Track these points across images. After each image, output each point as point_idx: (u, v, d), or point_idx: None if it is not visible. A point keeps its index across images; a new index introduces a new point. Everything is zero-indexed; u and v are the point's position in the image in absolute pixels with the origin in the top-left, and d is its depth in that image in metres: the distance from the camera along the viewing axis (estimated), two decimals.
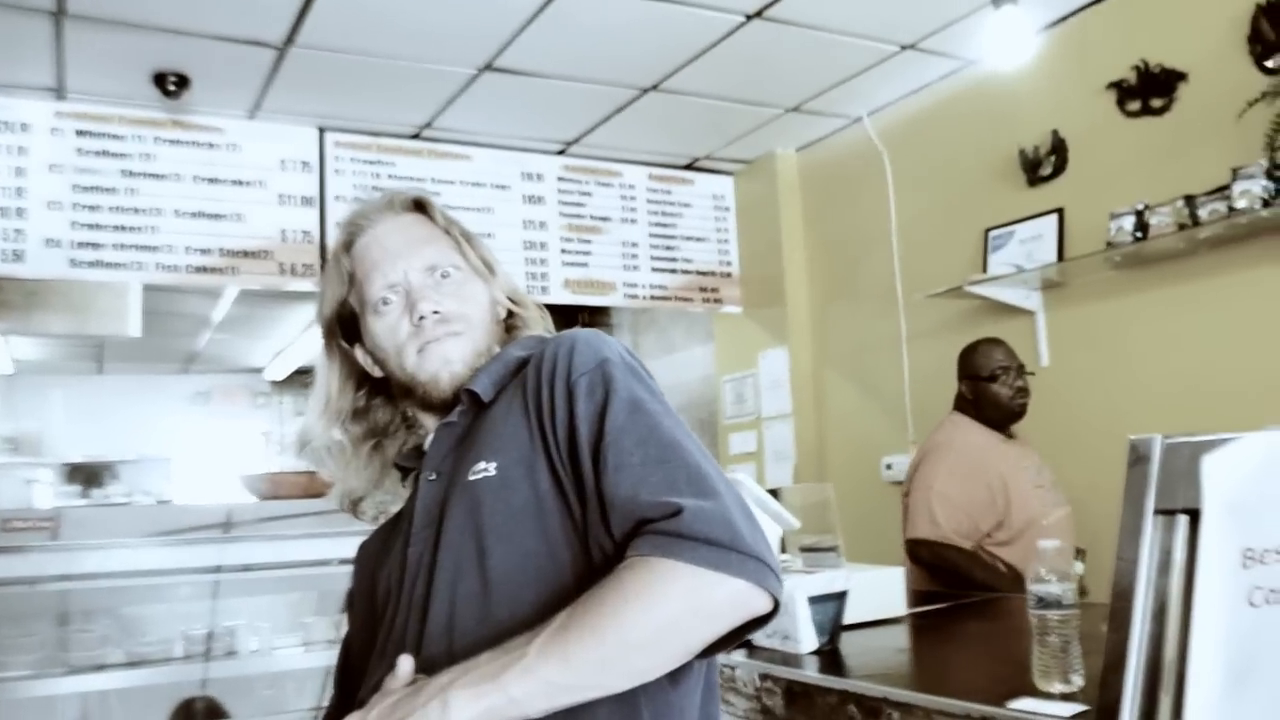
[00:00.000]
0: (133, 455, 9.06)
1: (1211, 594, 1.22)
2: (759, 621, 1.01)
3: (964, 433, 3.19)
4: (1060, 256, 3.58)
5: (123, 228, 3.78)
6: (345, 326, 1.35)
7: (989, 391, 3.16)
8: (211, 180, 3.95)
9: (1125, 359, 3.41)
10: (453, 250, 1.32)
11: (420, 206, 1.36)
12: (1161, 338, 3.30)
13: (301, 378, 9.53)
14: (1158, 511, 1.33)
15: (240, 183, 4.00)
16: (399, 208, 1.35)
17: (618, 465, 1.05)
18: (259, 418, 9.97)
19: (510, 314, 1.37)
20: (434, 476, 1.22)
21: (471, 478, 1.14)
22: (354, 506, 1.39)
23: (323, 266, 4.11)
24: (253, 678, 3.19)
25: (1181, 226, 3.08)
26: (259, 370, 9.69)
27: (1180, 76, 3.29)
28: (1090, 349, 3.54)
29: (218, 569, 3.14)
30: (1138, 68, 3.39)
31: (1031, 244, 3.71)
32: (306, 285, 4.07)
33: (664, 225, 4.92)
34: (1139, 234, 3.19)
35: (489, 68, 3.77)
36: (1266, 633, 1.21)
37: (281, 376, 9.51)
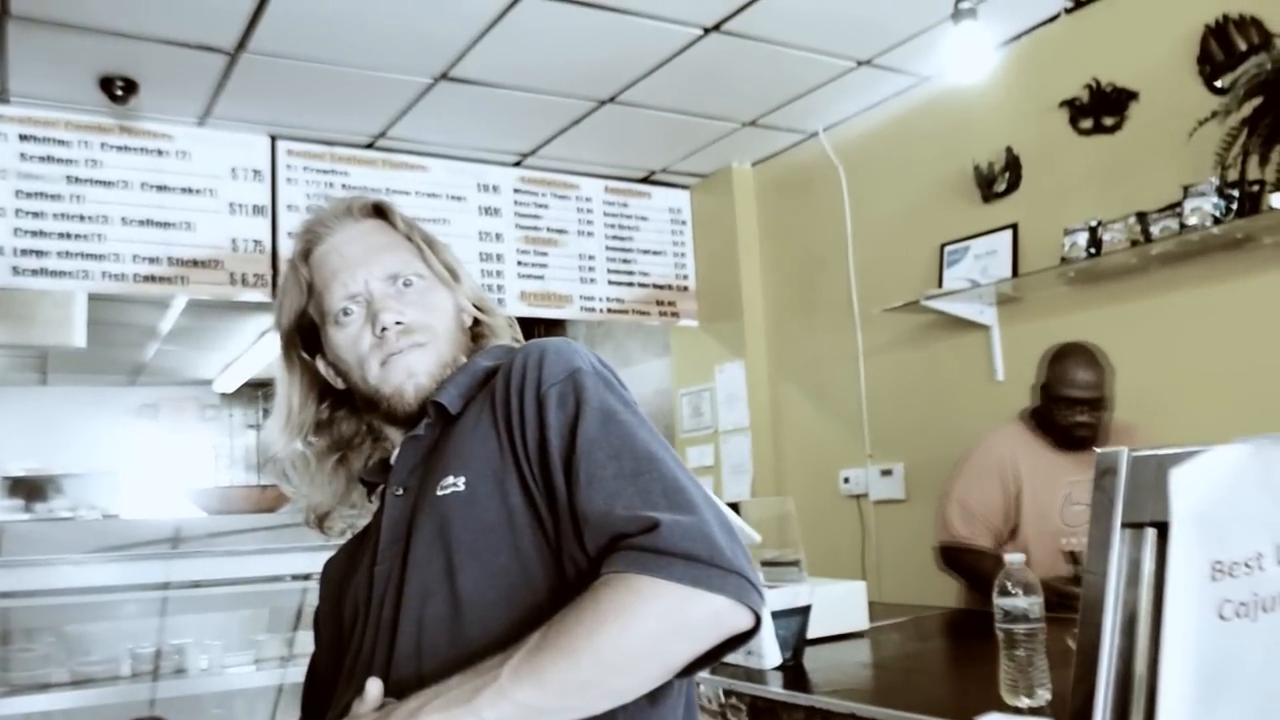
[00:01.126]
0: (78, 469, 8.85)
1: (1181, 607, 1.22)
2: (741, 639, 0.99)
3: (995, 437, 3.15)
4: (1015, 272, 3.61)
5: (68, 235, 3.69)
6: (305, 337, 1.32)
7: (1049, 409, 3.03)
8: (160, 188, 3.87)
9: None
10: (415, 257, 1.29)
11: (380, 212, 1.33)
12: (1114, 352, 3.32)
13: (252, 390, 9.40)
14: (1125, 524, 1.33)
15: (190, 191, 3.92)
16: (358, 213, 1.32)
17: (591, 479, 1.02)
18: (208, 431, 9.79)
19: (477, 322, 1.34)
20: (400, 491, 1.19)
21: (440, 493, 1.11)
22: (320, 522, 1.35)
23: (274, 277, 4.06)
24: (202, 697, 3.11)
25: (1134, 243, 3.12)
26: (208, 383, 9.52)
27: (1132, 95, 3.34)
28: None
29: (166, 585, 3.06)
30: (1090, 86, 3.44)
31: (986, 259, 3.75)
32: (258, 296, 4.00)
33: (621, 238, 4.91)
34: (1092, 250, 3.22)
35: (445, 77, 3.74)
36: (1237, 646, 1.21)
37: (231, 389, 9.35)
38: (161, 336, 7.56)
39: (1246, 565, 1.29)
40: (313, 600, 2.99)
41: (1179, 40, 3.19)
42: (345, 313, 1.25)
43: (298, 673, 3.16)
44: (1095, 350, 3.02)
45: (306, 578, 3.11)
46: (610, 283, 4.82)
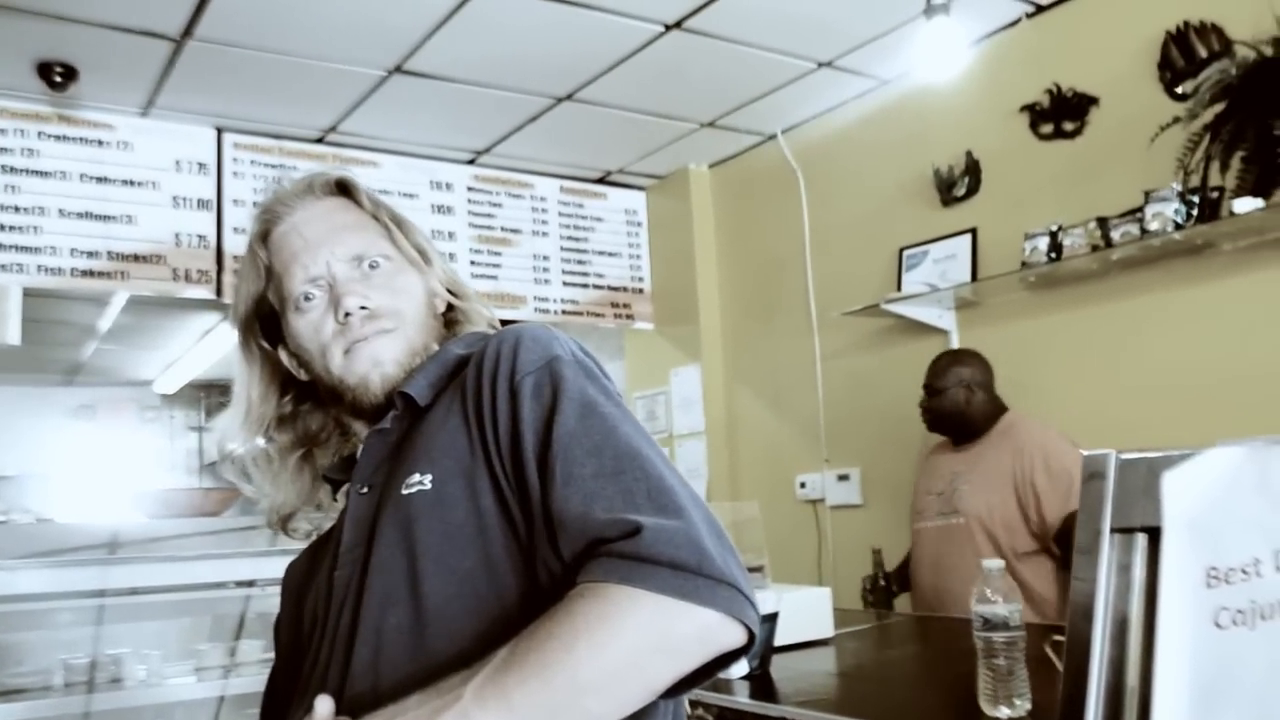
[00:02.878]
0: (10, 471, 8.56)
1: (1175, 615, 1.18)
2: (731, 656, 0.90)
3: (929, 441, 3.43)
4: (974, 276, 3.59)
5: (2, 227, 3.54)
6: (265, 325, 1.22)
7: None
8: (100, 179, 3.74)
9: (1038, 378, 3.43)
10: (381, 237, 1.20)
11: (344, 189, 1.24)
12: (1074, 357, 3.33)
13: (194, 392, 9.17)
14: (1114, 530, 1.29)
15: (131, 183, 3.79)
16: (320, 191, 1.23)
17: (567, 477, 0.93)
18: (148, 433, 9.54)
19: (450, 308, 1.26)
20: (365, 490, 1.10)
21: (405, 491, 1.02)
22: (284, 523, 1.26)
23: (219, 273, 3.93)
24: (140, 709, 2.98)
25: (1094, 248, 3.11)
26: (148, 383, 9.27)
27: (1092, 100, 3.34)
28: (1004, 368, 3.54)
29: (102, 593, 2.93)
30: (1050, 91, 3.44)
31: (945, 263, 3.73)
32: (201, 293, 3.88)
33: (575, 239, 4.84)
34: (1053, 254, 3.22)
35: (399, 70, 3.64)
36: (1235, 655, 1.17)
37: (172, 390, 9.11)
38: (100, 335, 7.34)
39: (1244, 572, 1.25)
40: (257, 608, 2.89)
41: (1140, 46, 3.19)
42: (306, 298, 1.16)
43: (241, 683, 3.06)
44: (964, 351, 3.32)
45: (250, 584, 3.00)
46: (565, 284, 4.75)
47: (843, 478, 4.11)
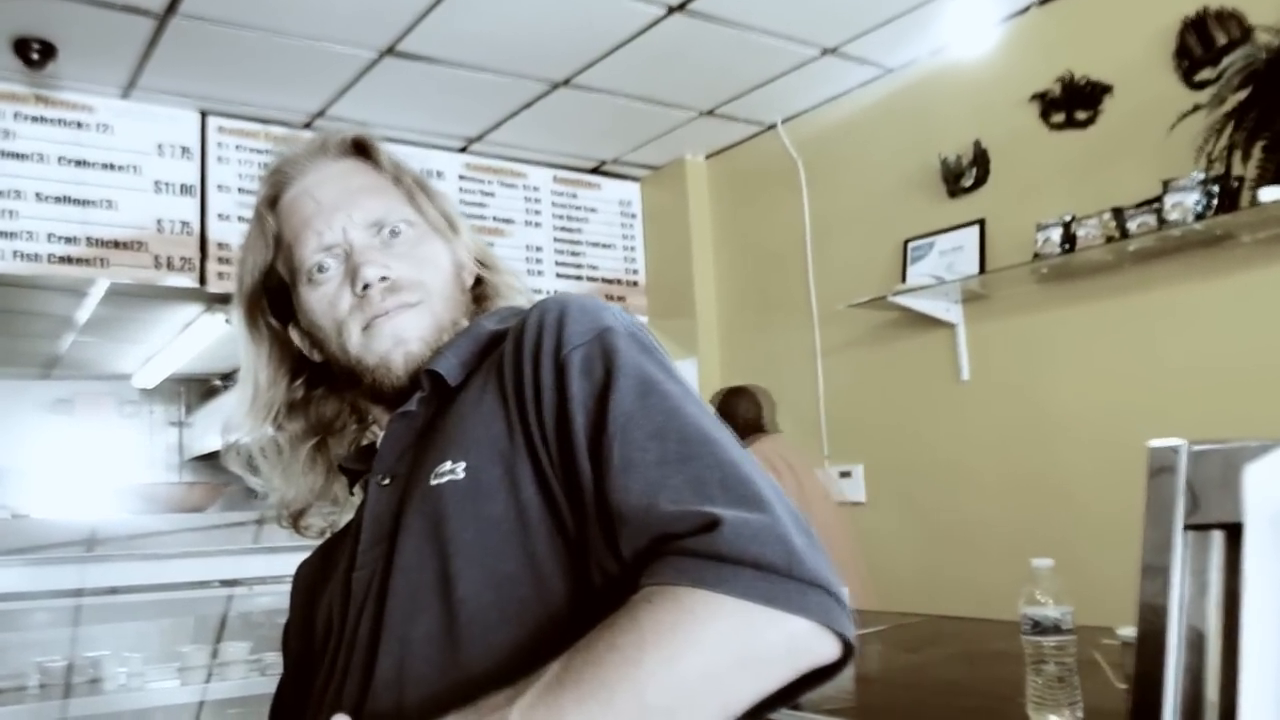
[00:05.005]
0: None
1: (1261, 620, 1.08)
2: (824, 672, 0.78)
3: None
4: (982, 268, 3.51)
5: None
6: (274, 300, 1.10)
7: None
8: (79, 163, 3.60)
9: (1048, 373, 3.35)
10: (403, 202, 1.08)
11: (362, 149, 1.11)
12: (1087, 351, 3.25)
13: (174, 386, 9.01)
14: (1189, 527, 1.19)
15: (112, 167, 3.66)
16: (334, 151, 1.10)
17: (627, 463, 0.81)
18: (127, 428, 9.36)
19: (479, 281, 1.15)
20: (387, 481, 0.98)
21: (434, 482, 0.90)
22: (295, 520, 1.13)
23: (203, 261, 3.80)
24: (120, 714, 2.84)
25: (1109, 239, 3.03)
26: (127, 377, 9.10)
27: (1105, 89, 3.26)
28: (1012, 363, 3.47)
29: (79, 592, 2.79)
30: (1062, 80, 3.35)
31: (952, 255, 3.64)
32: (184, 281, 3.75)
33: (569, 230, 4.73)
34: (1066, 245, 3.13)
35: (391, 52, 3.52)
36: None
37: (152, 384, 8.95)
38: (78, 327, 7.18)
39: None
40: (242, 608, 2.75)
41: (1155, 33, 3.11)
42: (320, 268, 1.04)
43: (225, 687, 2.94)
44: (739, 388, 3.65)
45: (234, 583, 2.88)
46: (558, 275, 4.64)
47: (845, 474, 4.02)
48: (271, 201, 1.09)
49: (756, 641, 0.74)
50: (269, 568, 2.70)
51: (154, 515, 3.05)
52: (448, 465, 0.90)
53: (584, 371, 0.87)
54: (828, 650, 0.76)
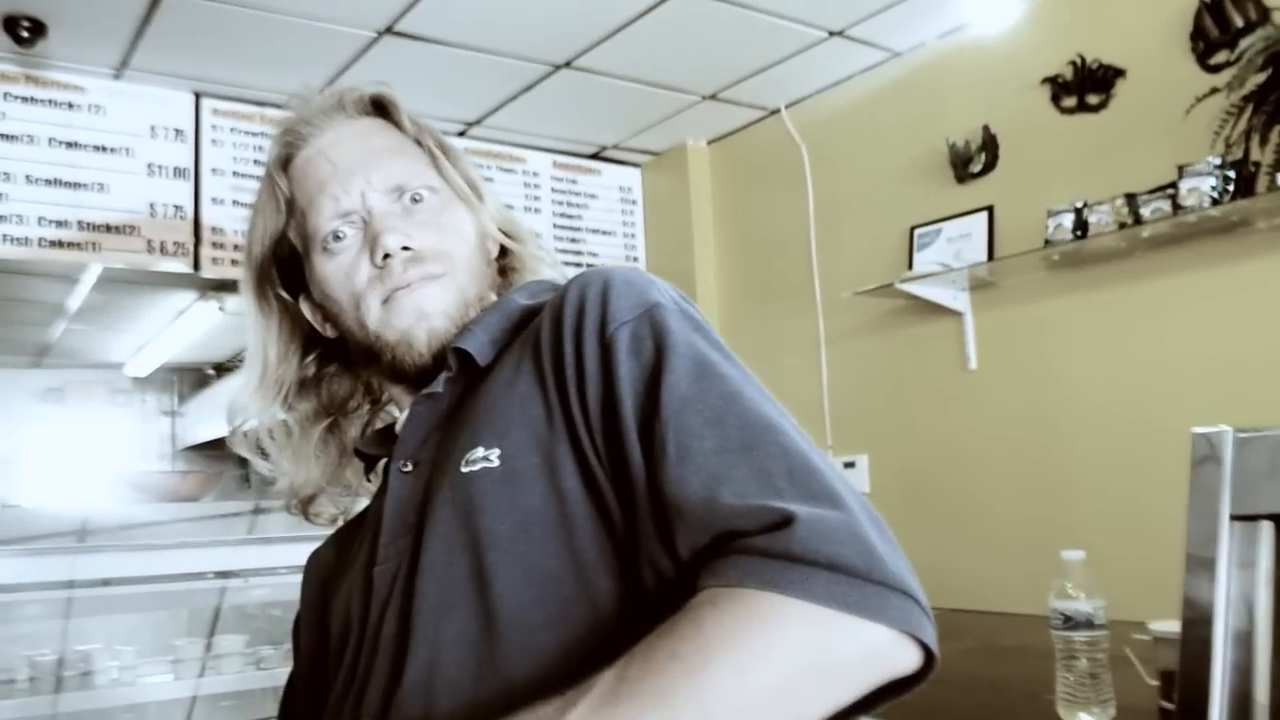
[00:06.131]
0: None
1: None
2: (903, 683, 0.72)
3: None
4: (990, 255, 3.45)
5: None
6: (284, 270, 1.03)
7: None
8: (70, 144, 3.52)
9: (1059, 362, 3.29)
10: (426, 166, 1.02)
11: (381, 108, 1.05)
12: (1098, 340, 3.19)
13: (167, 375, 8.94)
14: (1235, 517, 1.14)
15: (104, 149, 3.58)
16: (352, 109, 1.04)
17: (683, 452, 0.74)
18: (119, 417, 9.29)
19: (503, 252, 1.08)
20: (410, 467, 0.91)
21: (465, 470, 0.83)
22: (305, 507, 1.07)
23: (197, 245, 3.73)
24: (112, 709, 2.78)
25: (1122, 225, 2.97)
26: (119, 365, 9.03)
27: (1119, 73, 3.19)
28: (1022, 351, 3.41)
29: (70, 584, 2.73)
30: (1074, 63, 3.29)
31: (960, 242, 3.58)
32: (177, 266, 3.68)
33: (569, 216, 4.67)
34: (1078, 232, 3.07)
35: (389, 31, 3.45)
36: None
37: (145, 373, 8.87)
38: (69, 315, 7.10)
39: None
40: (236, 600, 2.68)
41: (1170, 15, 3.05)
42: (335, 236, 0.97)
43: (219, 682, 2.88)
44: None
45: (229, 575, 2.82)
46: (558, 262, 4.58)
47: (849, 465, 3.96)
48: (284, 163, 1.02)
49: (832, 651, 0.68)
50: (264, 559, 2.64)
51: (147, 505, 2.99)
52: (480, 451, 0.83)
53: (632, 351, 0.81)
54: (909, 660, 0.71)
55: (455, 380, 0.93)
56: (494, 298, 1.00)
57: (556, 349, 0.84)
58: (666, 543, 0.75)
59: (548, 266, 1.09)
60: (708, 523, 0.72)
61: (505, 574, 0.79)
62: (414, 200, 0.99)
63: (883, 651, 0.69)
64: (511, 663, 0.77)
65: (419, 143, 1.04)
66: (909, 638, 0.70)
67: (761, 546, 0.69)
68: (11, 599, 2.74)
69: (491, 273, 1.04)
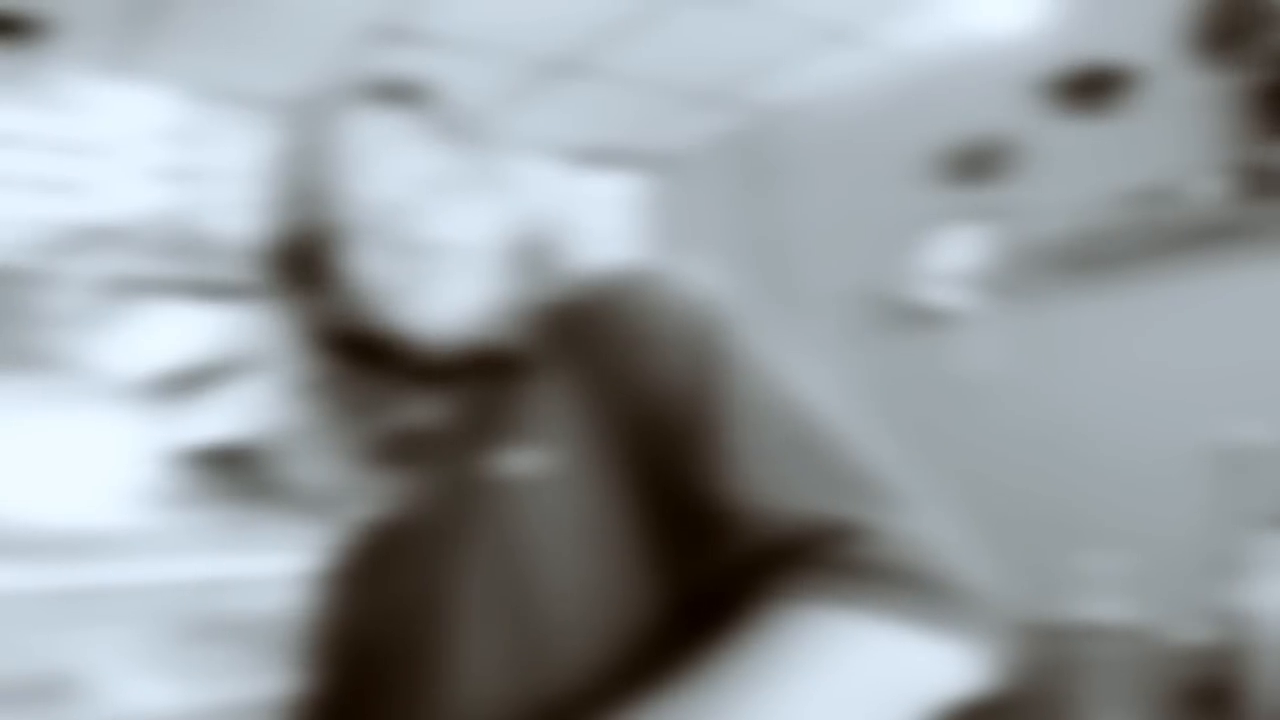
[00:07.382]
0: None
1: None
2: (976, 699, 0.68)
3: None
4: (994, 259, 3.42)
5: None
6: (303, 262, 1.00)
7: None
8: (62, 146, 3.50)
9: (1065, 370, 3.26)
10: (452, 154, 0.98)
11: (405, 94, 1.01)
12: (1105, 347, 3.16)
13: (163, 380, 8.90)
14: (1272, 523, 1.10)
15: (96, 150, 3.56)
16: (375, 95, 1.00)
17: (738, 455, 0.71)
18: (111, 424, 9.25)
19: (513, 249, 1.04)
20: (438, 470, 0.87)
21: (499, 474, 0.80)
22: (322, 510, 1.03)
23: (193, 251, 3.69)
24: None
25: (1131, 229, 2.95)
26: (113, 371, 9.00)
27: (1127, 72, 3.17)
28: (1025, 359, 3.38)
29: (60, 593, 2.71)
30: (1080, 63, 3.26)
31: (961, 247, 3.55)
32: (172, 270, 3.66)
33: (569, 217, 4.65)
34: (1085, 236, 3.05)
35: (389, 31, 3.41)
36: None
37: (140, 379, 8.86)
38: (63, 320, 7.08)
39: None
40: (233, 609, 2.63)
41: (1178, 14, 3.02)
42: (348, 228, 0.93)
43: (215, 692, 2.84)
44: None
45: (226, 584, 2.79)
46: (563, 261, 4.57)
47: None
48: (302, 149, 0.98)
49: (904, 667, 0.64)
50: (263, 567, 2.61)
51: (141, 513, 2.97)
52: (515, 454, 0.79)
53: (679, 348, 0.77)
54: (983, 675, 0.68)
55: (486, 379, 0.90)
56: (510, 294, 0.96)
57: (595, 352, 0.81)
58: (720, 551, 0.71)
59: (578, 260, 1.05)
60: (766, 530, 0.68)
61: (546, 584, 0.75)
62: (440, 189, 0.95)
63: (956, 667, 0.66)
64: (554, 678, 0.72)
65: (445, 130, 1.00)
66: (977, 651, 0.66)
67: (829, 556, 0.65)
68: (1, 609, 2.72)
69: (520, 266, 1.00)
